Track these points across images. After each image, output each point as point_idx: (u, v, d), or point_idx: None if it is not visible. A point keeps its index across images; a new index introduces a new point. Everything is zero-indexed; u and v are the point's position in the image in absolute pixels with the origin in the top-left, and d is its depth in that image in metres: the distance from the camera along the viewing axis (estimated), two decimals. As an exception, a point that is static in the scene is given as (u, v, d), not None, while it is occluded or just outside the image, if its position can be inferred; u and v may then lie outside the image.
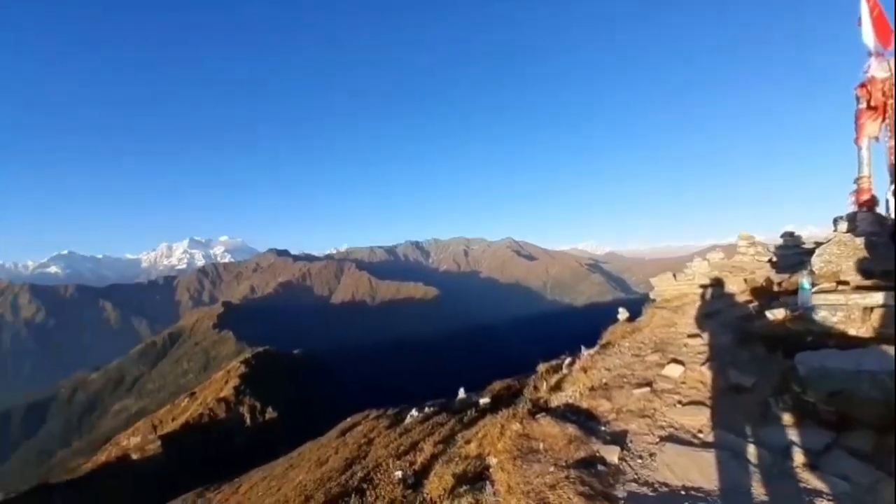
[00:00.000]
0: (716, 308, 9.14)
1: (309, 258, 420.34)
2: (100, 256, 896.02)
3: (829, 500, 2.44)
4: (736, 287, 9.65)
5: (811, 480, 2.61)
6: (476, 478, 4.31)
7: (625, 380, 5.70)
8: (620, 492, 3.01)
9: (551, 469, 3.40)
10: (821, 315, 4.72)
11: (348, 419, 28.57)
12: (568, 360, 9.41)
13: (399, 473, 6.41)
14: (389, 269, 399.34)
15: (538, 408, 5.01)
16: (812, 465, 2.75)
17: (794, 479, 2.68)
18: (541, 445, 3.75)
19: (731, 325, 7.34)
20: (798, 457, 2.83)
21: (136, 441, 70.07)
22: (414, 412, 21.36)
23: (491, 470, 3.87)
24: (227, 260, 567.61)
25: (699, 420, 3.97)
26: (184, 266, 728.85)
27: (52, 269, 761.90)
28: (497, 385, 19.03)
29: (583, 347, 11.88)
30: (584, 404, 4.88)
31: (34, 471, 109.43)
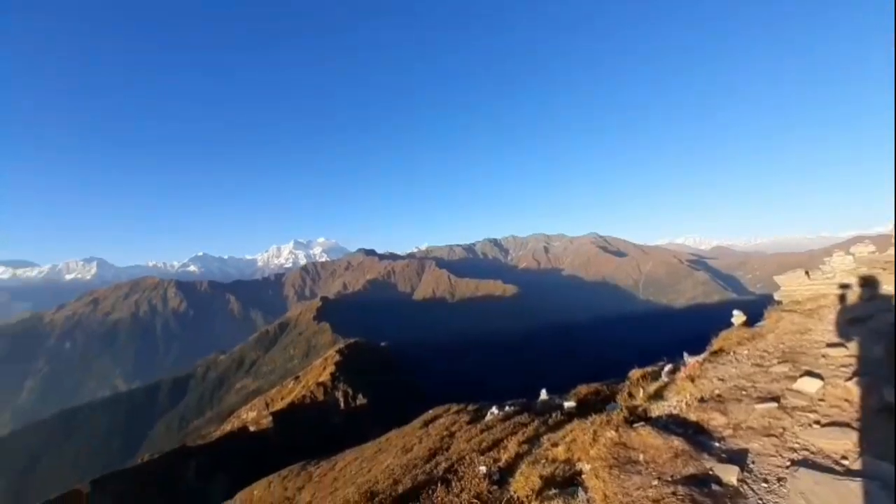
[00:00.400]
0: (865, 312, 7.46)
1: (393, 257, 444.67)
2: (225, 257, 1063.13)
3: None
4: (891, 287, 7.74)
5: None
6: (565, 482, 4.11)
7: (744, 392, 4.95)
8: None
9: (654, 483, 3.10)
10: None
11: (430, 411, 29.53)
12: (668, 366, 8.50)
13: (483, 468, 6.43)
14: (468, 266, 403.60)
15: (636, 416, 4.60)
16: None
17: None
18: (641, 457, 3.44)
19: (885, 333, 5.93)
20: None
21: (252, 415, 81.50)
22: (494, 410, 21.27)
23: (583, 476, 3.66)
24: (324, 259, 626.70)
25: (842, 444, 3.30)
26: (290, 265, 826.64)
27: (191, 268, 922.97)
28: (583, 389, 18.01)
29: (685, 354, 10.63)
30: (693, 417, 4.35)
31: (175, 435, 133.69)
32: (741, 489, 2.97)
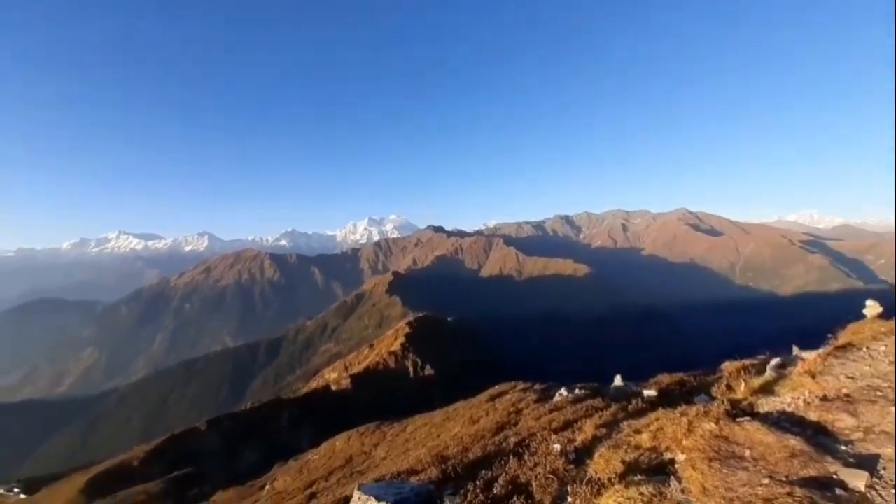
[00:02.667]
0: None
1: (461, 234, 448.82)
2: (310, 232, 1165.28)
3: None
4: None
5: None
6: (652, 470, 3.90)
7: (878, 393, 4.19)
8: None
9: (765, 481, 2.80)
10: None
11: (496, 387, 29.92)
12: (775, 360, 7.51)
13: (557, 446, 6.38)
14: (537, 244, 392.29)
15: (740, 411, 4.16)
16: None
17: None
18: (747, 453, 3.10)
19: None
20: None
21: (334, 376, 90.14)
22: (563, 391, 20.84)
23: (676, 466, 3.42)
24: (395, 235, 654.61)
25: None
26: (364, 241, 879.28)
27: (283, 242, 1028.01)
28: (665, 378, 16.76)
29: (794, 347, 9.32)
30: (813, 416, 3.80)
31: (271, 387, 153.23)
32: (868, 495, 2.57)
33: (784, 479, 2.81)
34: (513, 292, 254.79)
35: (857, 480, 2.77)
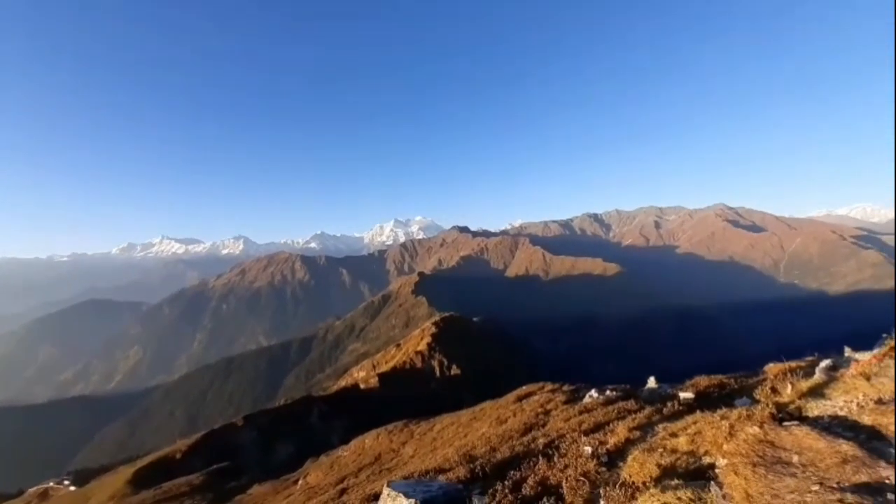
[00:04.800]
0: None
1: (486, 234, 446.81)
2: (338, 234, 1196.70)
3: None
4: None
5: None
6: (690, 475, 3.74)
7: (944, 399, 3.85)
8: None
9: (814, 488, 2.63)
10: None
11: (524, 387, 29.56)
12: (825, 362, 7.04)
13: (588, 448, 6.24)
14: (564, 243, 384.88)
15: (787, 415, 3.93)
16: None
17: None
18: (795, 458, 2.93)
19: None
20: None
21: (362, 375, 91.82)
22: (594, 393, 20.34)
23: (717, 471, 3.27)
24: (420, 237, 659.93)
25: None
26: (391, 242, 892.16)
27: (312, 244, 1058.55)
28: (702, 380, 16.03)
29: (846, 348, 8.72)
30: (866, 420, 3.54)
31: (303, 384, 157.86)
32: None
33: (835, 485, 2.64)
34: (539, 292, 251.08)
35: (918, 489, 2.57)
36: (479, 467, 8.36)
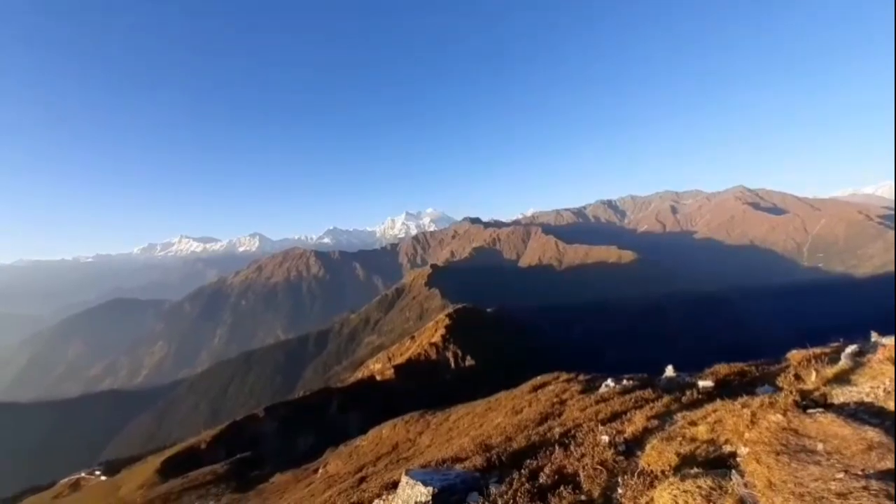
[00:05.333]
0: None
1: (498, 224, 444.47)
2: (351, 229, 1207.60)
3: None
4: None
5: None
6: (710, 463, 3.69)
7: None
8: None
9: (839, 475, 2.57)
10: None
11: (538, 377, 29.51)
12: (851, 347, 6.82)
13: (606, 437, 6.21)
14: (577, 232, 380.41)
15: (811, 402, 3.83)
16: None
17: None
18: (819, 446, 2.85)
19: None
20: None
21: (378, 367, 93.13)
22: (610, 382, 20.20)
23: (738, 459, 3.21)
24: (432, 229, 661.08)
25: None
26: (402, 235, 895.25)
27: (325, 239, 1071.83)
28: (722, 368, 15.73)
29: (873, 333, 8.44)
30: (893, 406, 3.43)
31: (321, 377, 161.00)
32: None
33: (860, 472, 2.57)
34: (553, 282, 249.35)
35: (950, 477, 2.49)
36: (495, 456, 8.42)
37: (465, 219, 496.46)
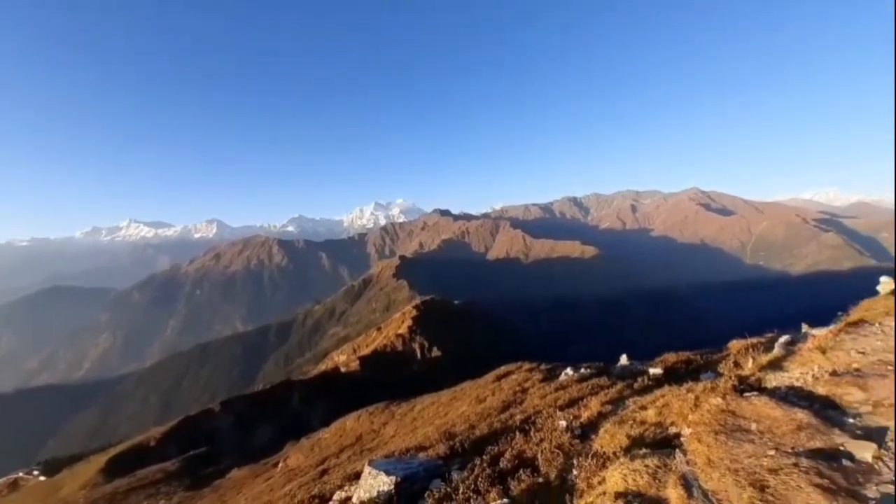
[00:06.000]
0: None
1: (467, 217, 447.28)
2: (317, 218, 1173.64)
3: None
4: None
5: None
6: (657, 444, 3.93)
7: (890, 368, 4.14)
8: (872, 492, 2.31)
9: (770, 453, 2.81)
10: None
11: (502, 367, 30.26)
12: (784, 337, 7.45)
13: (563, 422, 6.46)
14: (544, 226, 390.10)
15: (748, 386, 4.15)
16: None
17: None
18: (754, 426, 3.10)
19: None
20: None
21: (343, 358, 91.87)
22: (569, 370, 21.04)
23: (682, 440, 3.44)
24: (401, 220, 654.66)
25: None
26: (371, 225, 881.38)
27: (290, 228, 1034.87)
28: (671, 357, 16.78)
29: (804, 325, 9.26)
30: (821, 390, 3.77)
31: (282, 369, 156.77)
32: (876, 466, 2.59)
33: (790, 450, 2.82)
34: (520, 275, 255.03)
35: (865, 452, 2.78)
36: (458, 444, 8.55)
37: (434, 210, 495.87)
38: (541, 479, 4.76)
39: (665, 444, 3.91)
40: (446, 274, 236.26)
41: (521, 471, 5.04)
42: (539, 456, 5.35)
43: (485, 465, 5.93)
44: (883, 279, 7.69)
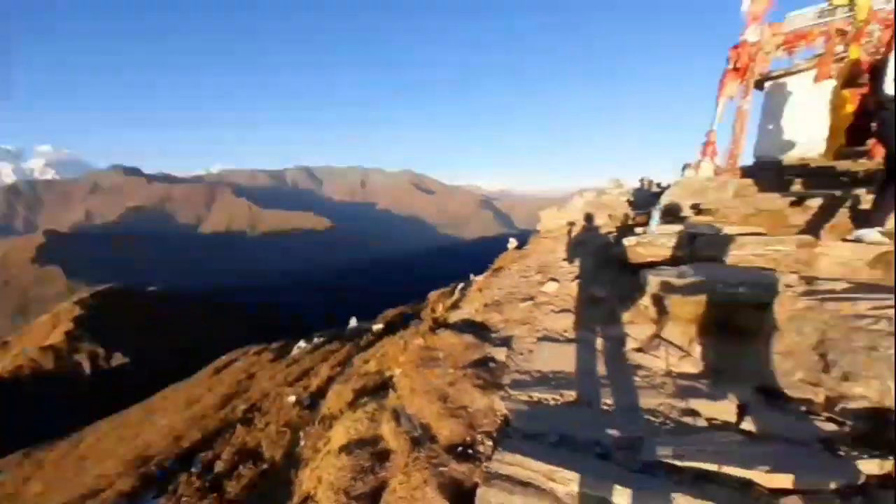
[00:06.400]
0: (585, 238, 10.59)
1: (170, 179, 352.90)
2: None
3: (647, 371, 3.16)
4: (601, 221, 11.29)
5: (637, 359, 3.38)
6: (377, 389, 4.38)
7: (513, 296, 6.29)
8: (506, 380, 3.44)
9: (450, 371, 3.64)
10: (660, 241, 5.69)
11: (223, 357, 26.66)
12: (461, 285, 9.99)
13: (293, 398, 6.22)
14: (275, 195, 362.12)
15: (439, 325, 5.24)
16: (640, 350, 3.54)
17: (627, 359, 3.42)
18: (441, 354, 3.94)
19: (595, 251, 8.64)
20: (631, 344, 3.59)
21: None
22: (302, 343, 20.91)
23: (394, 379, 3.95)
24: (49, 177, 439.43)
25: (566, 323, 4.66)
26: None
27: None
28: (390, 312, 19.59)
29: (471, 275, 12.81)
30: (479, 318, 5.25)
31: None
32: (507, 363, 3.80)
33: (462, 365, 3.69)
34: (246, 250, 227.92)
35: (500, 354, 3.98)
36: (155, 468, 6.76)
37: (114, 167, 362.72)
38: (265, 466, 4.39)
39: (383, 387, 4.44)
40: (136, 254, 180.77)
41: (240, 466, 4.47)
42: (263, 441, 4.93)
43: (194, 478, 4.91)
44: (511, 240, 11.87)
